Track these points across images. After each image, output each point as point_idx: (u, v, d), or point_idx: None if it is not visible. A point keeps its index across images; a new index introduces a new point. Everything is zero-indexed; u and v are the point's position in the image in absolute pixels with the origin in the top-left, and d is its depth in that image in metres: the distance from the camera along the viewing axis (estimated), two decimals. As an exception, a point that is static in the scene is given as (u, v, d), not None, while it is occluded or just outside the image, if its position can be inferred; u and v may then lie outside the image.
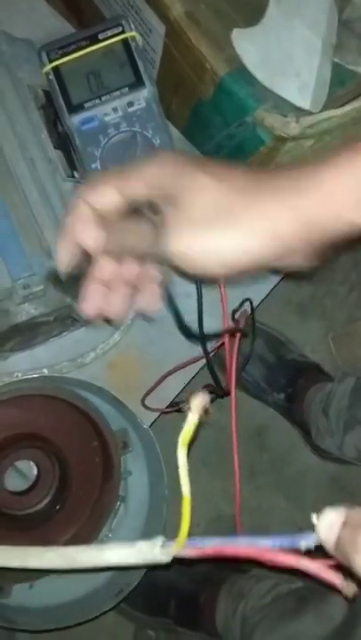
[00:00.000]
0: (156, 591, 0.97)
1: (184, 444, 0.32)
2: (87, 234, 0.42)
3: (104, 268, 0.45)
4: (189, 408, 0.32)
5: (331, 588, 0.33)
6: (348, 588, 0.33)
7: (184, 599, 0.96)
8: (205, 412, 0.32)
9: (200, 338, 0.67)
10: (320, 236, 0.39)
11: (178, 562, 0.36)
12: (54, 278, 0.51)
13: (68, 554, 0.39)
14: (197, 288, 0.65)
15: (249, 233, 0.38)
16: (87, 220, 0.42)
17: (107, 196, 0.42)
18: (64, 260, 0.44)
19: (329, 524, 0.32)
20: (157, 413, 0.71)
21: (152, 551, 0.36)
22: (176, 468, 0.34)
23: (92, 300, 0.46)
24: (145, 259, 0.44)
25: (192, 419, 0.32)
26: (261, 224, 0.38)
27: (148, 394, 0.70)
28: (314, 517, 0.33)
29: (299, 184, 0.39)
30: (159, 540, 0.36)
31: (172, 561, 0.36)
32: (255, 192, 0.39)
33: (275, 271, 0.44)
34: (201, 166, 0.40)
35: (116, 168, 0.44)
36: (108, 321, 0.49)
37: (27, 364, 0.67)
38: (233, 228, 0.38)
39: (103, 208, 0.42)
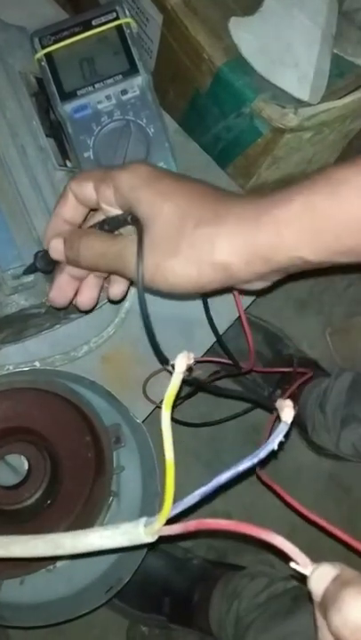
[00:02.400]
0: (150, 588, 0.96)
1: (168, 405, 0.30)
2: (65, 208, 0.46)
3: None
4: (173, 367, 0.30)
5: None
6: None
7: (178, 596, 0.96)
8: (189, 370, 0.31)
9: (209, 320, 0.68)
10: (269, 268, 0.40)
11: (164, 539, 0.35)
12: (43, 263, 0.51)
13: (53, 540, 0.38)
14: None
15: (185, 262, 0.40)
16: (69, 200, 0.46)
17: (87, 193, 0.44)
18: (49, 237, 0.47)
19: (321, 575, 0.32)
20: (151, 408, 0.70)
21: (136, 531, 0.35)
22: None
23: (63, 291, 0.49)
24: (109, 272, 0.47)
25: (176, 379, 0.30)
26: (199, 254, 0.39)
27: (149, 379, 0.69)
28: (308, 569, 0.32)
29: (251, 217, 0.39)
30: (142, 520, 0.35)
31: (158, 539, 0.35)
32: (206, 221, 0.40)
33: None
34: (165, 187, 0.41)
35: (105, 167, 0.48)
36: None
37: (18, 357, 0.66)
38: (174, 257, 0.40)
39: (84, 201, 0.45)
